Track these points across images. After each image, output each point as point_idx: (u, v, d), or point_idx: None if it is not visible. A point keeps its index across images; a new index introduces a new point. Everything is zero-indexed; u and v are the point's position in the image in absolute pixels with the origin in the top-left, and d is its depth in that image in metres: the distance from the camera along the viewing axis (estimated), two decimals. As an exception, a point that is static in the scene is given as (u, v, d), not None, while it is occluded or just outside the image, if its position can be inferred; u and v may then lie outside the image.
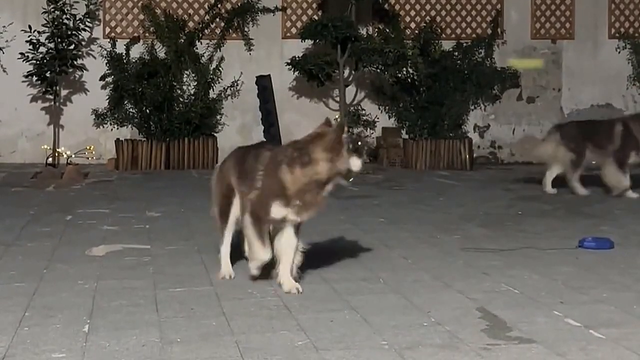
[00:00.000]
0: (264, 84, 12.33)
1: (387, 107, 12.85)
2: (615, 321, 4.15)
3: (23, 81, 12.08)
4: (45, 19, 11.66)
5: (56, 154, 11.61)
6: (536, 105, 13.47)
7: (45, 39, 11.64)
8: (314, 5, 12.94)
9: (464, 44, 12.97)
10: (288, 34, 12.91)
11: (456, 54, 12.85)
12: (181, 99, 12.27)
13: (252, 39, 12.80)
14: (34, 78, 11.79)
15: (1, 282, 4.93)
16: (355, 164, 4.59)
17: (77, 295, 4.63)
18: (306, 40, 11.98)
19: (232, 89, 12.63)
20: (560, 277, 5.13)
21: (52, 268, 5.33)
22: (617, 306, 4.43)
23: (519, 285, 4.90)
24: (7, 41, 12.15)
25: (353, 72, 12.42)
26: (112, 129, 12.38)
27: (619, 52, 13.51)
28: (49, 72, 11.62)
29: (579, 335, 3.91)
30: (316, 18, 12.38)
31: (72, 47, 11.75)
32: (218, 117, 12.60)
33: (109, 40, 12.31)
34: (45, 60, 11.59)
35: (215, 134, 12.38)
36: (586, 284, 4.95)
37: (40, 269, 5.26)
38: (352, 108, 12.52)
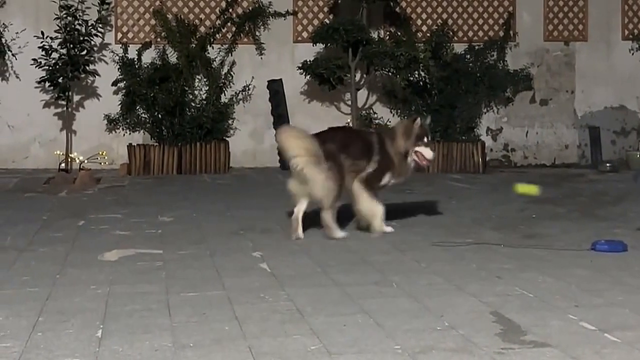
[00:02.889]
0: (275, 88, 12.34)
1: (399, 111, 12.82)
2: (630, 324, 4.12)
3: (36, 87, 12.13)
4: (58, 25, 11.70)
5: (69, 160, 11.64)
6: (549, 108, 13.43)
7: (58, 45, 11.68)
8: (325, 9, 12.95)
9: (476, 47, 12.94)
10: (299, 38, 12.92)
11: (468, 56, 12.83)
12: (193, 104, 12.28)
13: (263, 43, 12.81)
14: (47, 84, 11.83)
15: (14, 287, 4.94)
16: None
17: (90, 300, 4.64)
18: (317, 44, 11.98)
19: (243, 93, 12.64)
20: (574, 280, 5.10)
21: (65, 273, 5.33)
22: (631, 309, 4.40)
23: (533, 288, 4.87)
24: (19, 47, 12.22)
25: (364, 75, 12.41)
26: (124, 134, 12.42)
27: (633, 54, 13.46)
28: (61, 77, 11.66)
29: (594, 339, 3.89)
30: (327, 22, 12.38)
31: (84, 52, 11.79)
32: (230, 121, 12.61)
33: (120, 45, 12.35)
34: (57, 66, 11.62)
35: (227, 139, 12.39)
36: (600, 286, 4.92)
37: (53, 274, 5.27)
38: (363, 112, 12.51)
